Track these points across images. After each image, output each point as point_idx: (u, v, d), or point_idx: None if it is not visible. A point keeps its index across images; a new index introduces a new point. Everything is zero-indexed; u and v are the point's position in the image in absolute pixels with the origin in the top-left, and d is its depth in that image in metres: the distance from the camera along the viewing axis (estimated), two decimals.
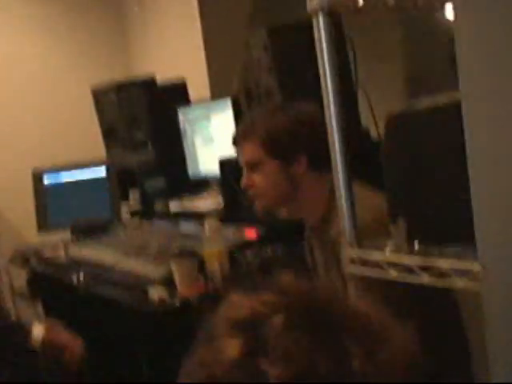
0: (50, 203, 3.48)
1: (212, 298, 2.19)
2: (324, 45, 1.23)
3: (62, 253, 3.11)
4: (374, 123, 2.63)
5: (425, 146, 1.12)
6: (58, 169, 3.50)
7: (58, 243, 3.32)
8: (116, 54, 4.26)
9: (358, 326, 0.71)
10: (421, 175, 1.13)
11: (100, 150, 3.61)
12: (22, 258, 3.28)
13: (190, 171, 3.28)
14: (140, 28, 4.19)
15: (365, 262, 1.14)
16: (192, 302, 2.15)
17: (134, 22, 4.25)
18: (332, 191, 1.90)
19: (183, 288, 2.19)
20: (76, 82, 4.03)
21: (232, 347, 0.69)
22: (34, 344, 2.43)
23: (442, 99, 1.10)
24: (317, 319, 0.70)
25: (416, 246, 1.12)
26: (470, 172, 0.91)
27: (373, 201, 1.59)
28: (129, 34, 4.30)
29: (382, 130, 2.55)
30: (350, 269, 1.16)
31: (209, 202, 3.02)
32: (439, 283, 1.01)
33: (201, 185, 3.20)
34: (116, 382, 3.05)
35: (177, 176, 3.31)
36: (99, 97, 3.59)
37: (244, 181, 1.93)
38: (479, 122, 0.89)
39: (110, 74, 3.81)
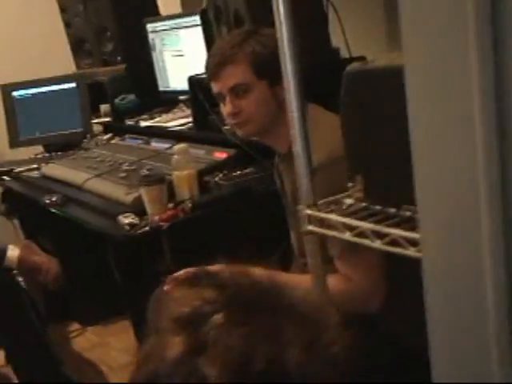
0: (21, 118, 3.46)
1: (182, 223, 2.23)
2: None
3: (34, 170, 3.13)
4: (344, 41, 2.63)
5: (384, 106, 1.13)
6: (27, 85, 3.45)
7: (30, 160, 3.33)
8: None
9: (296, 317, 0.74)
10: (379, 136, 1.15)
11: (68, 66, 3.55)
12: None
13: (161, 86, 3.26)
14: None
15: (321, 221, 1.18)
16: (162, 227, 2.18)
17: None
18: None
19: (153, 214, 2.22)
20: None
21: (174, 345, 0.72)
22: (8, 264, 2.49)
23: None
24: (256, 314, 0.73)
25: (372, 207, 1.16)
26: (412, 139, 0.92)
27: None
28: None
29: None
30: (307, 227, 1.19)
31: (179, 118, 3.02)
32: (390, 249, 1.05)
33: (171, 101, 3.19)
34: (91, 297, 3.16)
35: (147, 91, 3.29)
36: (66, 7, 3.51)
37: (229, 108, 1.91)
38: (420, 89, 0.89)
39: None
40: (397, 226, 1.09)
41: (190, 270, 1.77)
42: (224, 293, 0.75)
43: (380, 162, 1.16)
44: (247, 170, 2.45)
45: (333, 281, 1.65)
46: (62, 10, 3.53)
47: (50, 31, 3.73)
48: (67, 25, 3.54)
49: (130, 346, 2.91)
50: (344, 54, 2.63)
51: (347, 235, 1.13)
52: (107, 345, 3.10)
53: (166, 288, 1.86)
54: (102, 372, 2.93)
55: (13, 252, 2.48)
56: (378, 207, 1.21)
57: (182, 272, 1.89)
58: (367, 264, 1.71)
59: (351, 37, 2.60)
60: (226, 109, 1.94)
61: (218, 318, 0.72)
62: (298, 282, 1.64)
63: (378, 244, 1.08)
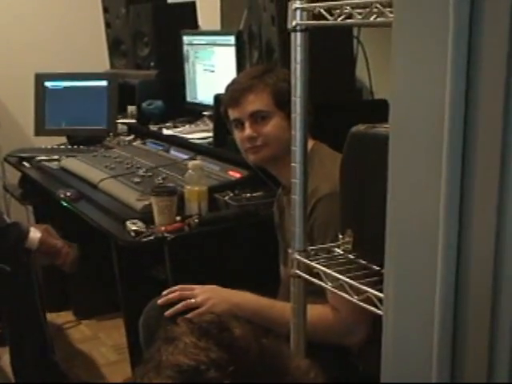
0: (49, 108, 3.55)
1: (187, 236, 2.30)
2: None
3: (54, 161, 3.21)
4: (369, 83, 2.70)
5: (381, 170, 1.20)
6: (61, 77, 3.55)
7: (52, 149, 3.42)
8: None
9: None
10: (372, 196, 1.21)
11: (103, 64, 3.65)
12: (17, 158, 3.38)
13: (188, 97, 3.33)
14: None
15: (308, 267, 1.25)
16: (166, 238, 2.25)
17: None
18: (312, 151, 1.98)
19: (160, 224, 2.29)
20: None
21: None
22: (29, 246, 2.58)
23: None
24: None
25: (358, 260, 1.23)
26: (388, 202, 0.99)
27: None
28: None
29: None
30: (295, 271, 1.26)
31: (201, 132, 3.09)
32: (365, 306, 1.12)
33: (196, 112, 3.27)
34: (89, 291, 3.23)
35: (174, 100, 3.37)
36: (109, 8, 3.61)
37: (248, 132, 1.99)
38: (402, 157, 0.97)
39: None
40: (375, 284, 1.15)
41: (182, 292, 1.86)
42: (232, 362, 0.76)
43: (370, 220, 1.22)
44: (257, 194, 2.51)
45: (319, 310, 1.72)
46: (105, 10, 3.63)
47: (91, 29, 3.84)
48: (107, 25, 3.64)
49: (120, 343, 2.99)
50: (367, 94, 2.70)
51: (329, 285, 1.20)
52: (98, 340, 3.17)
53: (159, 301, 1.94)
54: (92, 366, 3.01)
55: (34, 234, 2.55)
56: (363, 262, 1.28)
57: (177, 287, 1.97)
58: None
59: (377, 77, 2.67)
60: (244, 133, 2.01)
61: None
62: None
63: (355, 299, 1.14)
